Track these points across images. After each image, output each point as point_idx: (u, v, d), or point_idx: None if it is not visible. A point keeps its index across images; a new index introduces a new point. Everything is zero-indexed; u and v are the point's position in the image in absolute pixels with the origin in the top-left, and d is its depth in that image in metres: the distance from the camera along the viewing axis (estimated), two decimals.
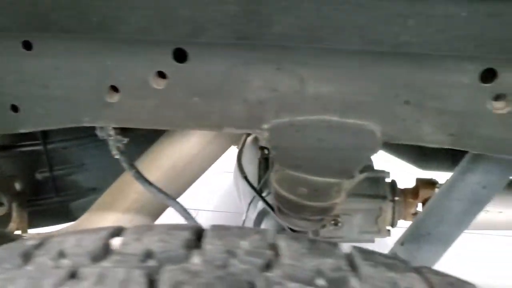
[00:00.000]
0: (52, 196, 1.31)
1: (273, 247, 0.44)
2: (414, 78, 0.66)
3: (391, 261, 0.50)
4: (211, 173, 1.32)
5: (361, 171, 1.58)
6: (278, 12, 0.59)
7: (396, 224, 1.54)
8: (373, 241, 1.52)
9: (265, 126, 0.73)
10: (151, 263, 0.42)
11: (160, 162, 0.96)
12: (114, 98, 0.74)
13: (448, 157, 1.53)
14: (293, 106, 0.71)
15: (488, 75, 0.64)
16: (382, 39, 0.58)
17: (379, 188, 1.50)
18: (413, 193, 1.51)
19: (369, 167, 1.55)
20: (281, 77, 0.69)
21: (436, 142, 0.71)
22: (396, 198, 1.48)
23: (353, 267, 0.45)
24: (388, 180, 1.56)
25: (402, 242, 0.96)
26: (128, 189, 0.99)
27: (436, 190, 1.55)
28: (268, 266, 0.41)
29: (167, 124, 0.74)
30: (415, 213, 1.54)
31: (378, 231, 1.46)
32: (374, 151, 0.73)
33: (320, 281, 0.40)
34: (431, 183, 1.52)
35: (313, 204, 0.80)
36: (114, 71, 0.72)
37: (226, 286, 0.36)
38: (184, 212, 0.87)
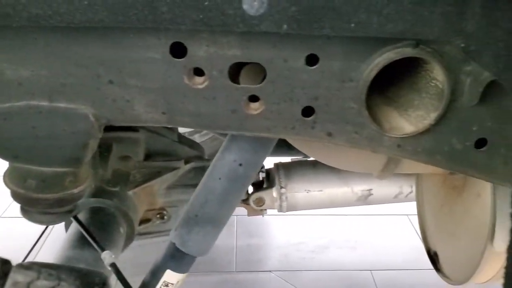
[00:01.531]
0: None
1: None
2: (109, 57, 0.64)
3: None
4: None
5: (186, 162, 1.58)
6: None
7: None
8: None
9: None
10: None
11: None
12: None
13: (283, 143, 1.56)
14: None
15: (180, 50, 0.63)
16: (9, 13, 0.54)
17: None
18: None
19: (195, 157, 1.55)
20: None
21: (153, 122, 0.70)
22: None
23: None
24: None
25: (176, 227, 0.95)
26: None
27: (260, 174, 1.58)
28: None
29: None
30: (245, 199, 1.56)
31: None
32: (93, 135, 0.71)
33: None
34: None
35: (46, 196, 0.76)
36: None
37: None
38: None
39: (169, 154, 1.52)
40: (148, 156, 1.47)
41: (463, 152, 0.69)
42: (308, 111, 0.68)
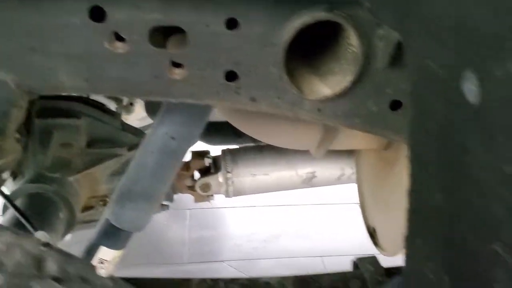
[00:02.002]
0: None
1: None
2: (30, 23, 0.64)
3: None
4: None
5: (129, 149, 1.56)
6: None
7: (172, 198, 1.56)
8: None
9: None
10: None
11: None
12: None
13: (230, 130, 1.57)
14: None
15: (100, 14, 0.64)
16: None
17: None
18: (185, 166, 1.53)
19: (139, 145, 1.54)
20: None
21: (75, 89, 0.70)
22: None
23: None
24: None
25: (110, 204, 0.95)
26: None
27: (206, 160, 1.59)
28: None
29: None
30: (192, 186, 1.57)
31: None
32: (15, 104, 0.70)
33: None
34: (200, 154, 1.55)
35: None
36: None
37: None
38: None
39: (112, 141, 1.50)
40: (90, 143, 1.45)
41: (379, 115, 0.72)
42: (231, 76, 0.69)
